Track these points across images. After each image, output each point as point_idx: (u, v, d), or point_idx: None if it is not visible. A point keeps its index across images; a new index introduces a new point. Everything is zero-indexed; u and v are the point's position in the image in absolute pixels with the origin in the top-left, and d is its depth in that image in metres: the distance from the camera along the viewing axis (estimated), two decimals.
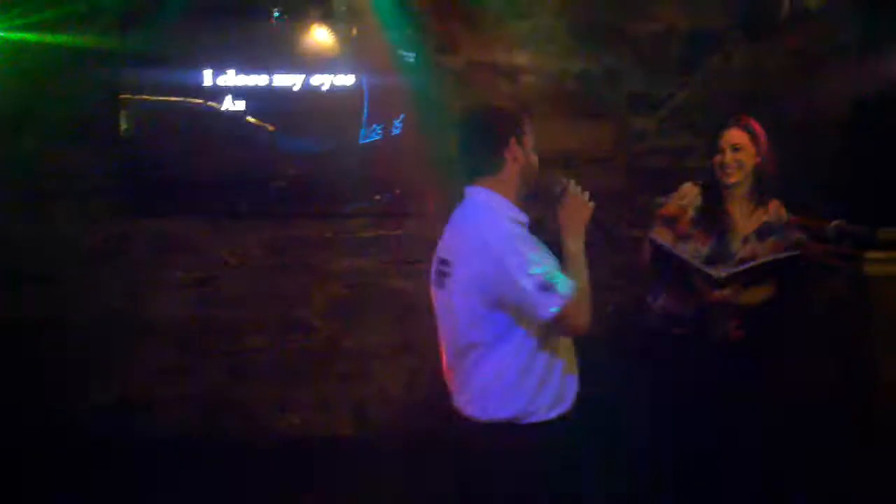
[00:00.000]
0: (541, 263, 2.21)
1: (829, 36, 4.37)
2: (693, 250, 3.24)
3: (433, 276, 2.45)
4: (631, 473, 3.52)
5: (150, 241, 4.55)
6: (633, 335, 3.54)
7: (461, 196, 2.44)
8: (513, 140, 2.34)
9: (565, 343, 2.39)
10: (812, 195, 4.28)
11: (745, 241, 3.23)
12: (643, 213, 3.55)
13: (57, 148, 4.47)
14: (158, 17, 4.29)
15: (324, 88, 4.42)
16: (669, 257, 3.20)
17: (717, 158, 3.26)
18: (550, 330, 2.27)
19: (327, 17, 4.43)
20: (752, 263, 3.12)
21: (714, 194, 3.29)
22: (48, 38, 4.36)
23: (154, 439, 4.47)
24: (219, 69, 4.41)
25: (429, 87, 4.43)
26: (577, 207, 2.39)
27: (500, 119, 2.38)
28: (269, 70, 4.42)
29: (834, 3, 4.22)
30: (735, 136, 3.27)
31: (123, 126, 4.42)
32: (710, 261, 3.19)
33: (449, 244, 2.40)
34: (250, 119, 4.42)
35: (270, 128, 4.44)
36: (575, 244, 2.34)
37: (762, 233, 3.24)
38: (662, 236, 3.29)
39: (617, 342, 3.82)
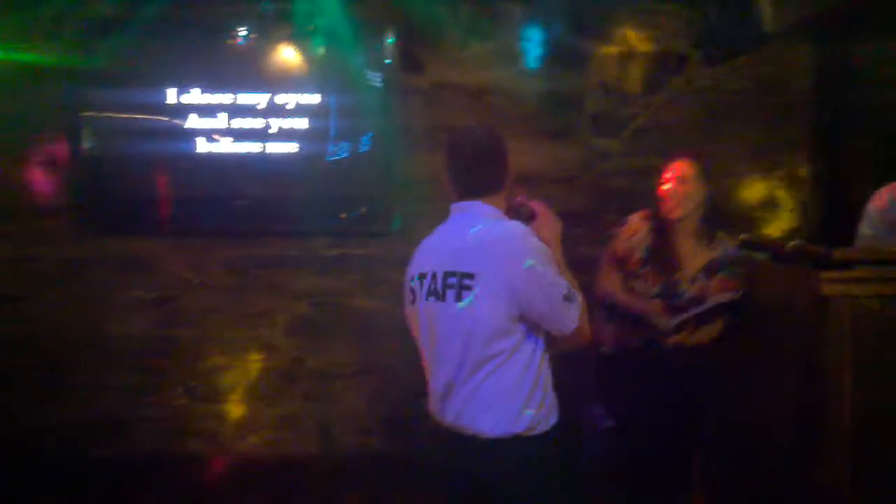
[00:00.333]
0: (562, 283, 2.31)
1: (789, 60, 4.46)
2: (643, 289, 3.24)
3: (426, 290, 2.40)
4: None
5: (111, 260, 4.50)
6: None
7: (457, 210, 2.46)
8: (510, 161, 2.47)
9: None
10: (770, 215, 4.37)
11: (694, 280, 3.23)
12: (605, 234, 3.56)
13: (18, 166, 4.43)
14: (122, 34, 4.25)
15: (289, 107, 4.42)
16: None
17: (663, 189, 3.25)
18: (563, 342, 2.37)
19: (293, 37, 4.42)
20: (697, 310, 3.15)
21: (661, 230, 3.26)
22: (10, 55, 4.32)
23: (114, 460, 4.41)
24: (183, 87, 4.39)
25: (395, 107, 4.44)
26: (550, 225, 2.49)
27: (501, 140, 2.49)
28: (233, 89, 4.40)
29: (793, 27, 4.30)
30: (682, 167, 3.25)
31: (85, 143, 4.37)
32: (663, 300, 3.21)
33: (461, 256, 2.34)
34: (215, 137, 4.40)
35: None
36: (558, 259, 2.42)
37: (710, 270, 3.23)
38: (611, 278, 3.30)
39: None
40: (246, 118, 4.41)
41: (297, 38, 4.43)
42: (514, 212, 2.49)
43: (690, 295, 3.21)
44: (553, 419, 2.40)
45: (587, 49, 4.55)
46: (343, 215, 4.46)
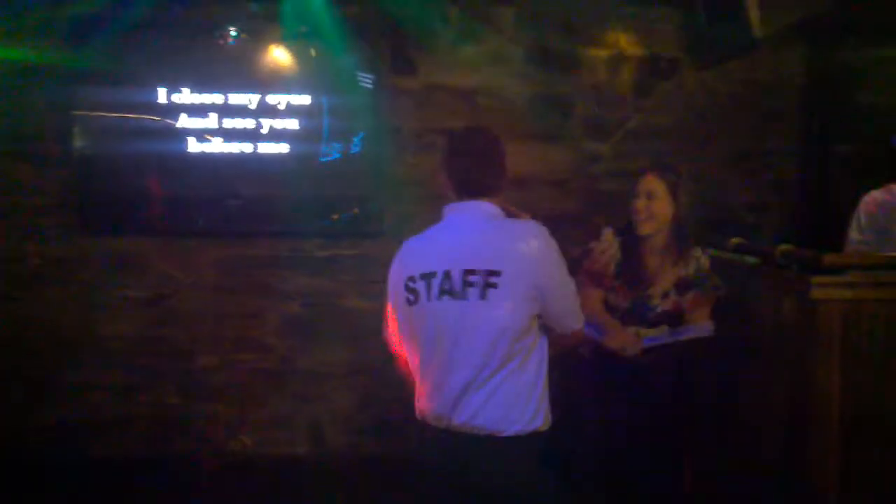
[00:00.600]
0: (572, 280, 2.40)
1: (778, 65, 4.49)
2: (615, 303, 3.21)
3: (438, 290, 2.34)
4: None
5: (102, 259, 4.49)
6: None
7: (455, 210, 2.44)
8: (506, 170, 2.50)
9: None
10: (760, 220, 4.40)
11: (666, 296, 3.19)
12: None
13: (8, 165, 4.42)
14: (113, 33, 4.24)
15: (280, 107, 4.42)
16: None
17: (633, 204, 3.18)
18: (561, 340, 2.45)
19: (285, 38, 4.42)
20: (665, 341, 3.12)
21: (632, 245, 3.21)
22: (0, 53, 4.30)
23: (105, 459, 4.41)
24: (174, 87, 4.39)
25: (387, 108, 4.45)
26: None
27: (501, 143, 2.52)
28: (224, 89, 4.40)
29: (782, 32, 4.34)
30: (651, 182, 3.17)
31: (76, 143, 4.36)
32: (632, 314, 3.19)
33: (484, 254, 2.31)
34: (206, 137, 4.39)
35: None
36: None
37: (682, 286, 3.19)
38: (589, 298, 3.14)
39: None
40: (237, 118, 4.42)
41: (289, 39, 4.43)
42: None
43: (663, 309, 3.19)
44: (552, 415, 2.42)
45: (578, 53, 4.57)
46: (335, 216, 4.46)
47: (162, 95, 4.38)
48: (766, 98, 4.55)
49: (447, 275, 2.33)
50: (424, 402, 2.44)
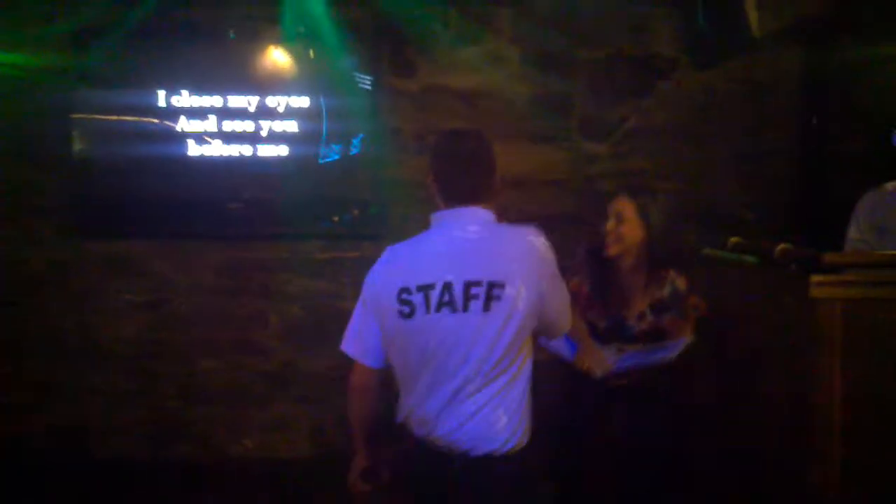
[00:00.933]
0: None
1: (777, 64, 4.49)
2: (593, 320, 3.20)
3: (437, 302, 2.23)
4: None
5: (102, 263, 4.51)
6: None
7: (445, 217, 2.34)
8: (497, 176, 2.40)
9: None
10: (759, 219, 4.40)
11: (641, 316, 3.19)
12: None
13: (9, 169, 4.43)
14: (112, 37, 4.25)
15: (279, 110, 4.42)
16: None
17: (603, 226, 3.17)
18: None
19: (283, 40, 4.42)
20: (638, 363, 3.12)
21: (603, 266, 3.20)
22: (1, 58, 4.30)
23: (106, 462, 4.42)
24: (173, 90, 4.39)
25: (386, 110, 4.46)
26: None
27: (491, 146, 2.40)
28: (223, 91, 4.41)
29: (780, 32, 4.34)
30: (621, 204, 3.17)
31: (76, 147, 4.37)
32: (611, 332, 3.19)
33: (485, 264, 2.23)
34: (206, 139, 4.40)
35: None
36: None
37: (658, 308, 3.18)
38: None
39: None
40: (236, 121, 4.43)
41: (287, 41, 4.43)
42: None
43: (641, 329, 3.19)
44: (530, 430, 2.35)
45: (576, 53, 4.57)
46: (335, 218, 4.47)
47: (161, 98, 4.40)
48: (764, 97, 4.54)
49: (447, 287, 2.22)
50: (409, 410, 2.35)
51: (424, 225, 2.40)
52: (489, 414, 2.23)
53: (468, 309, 2.21)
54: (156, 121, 4.41)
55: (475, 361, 2.21)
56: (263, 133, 4.44)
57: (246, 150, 4.44)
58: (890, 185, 3.49)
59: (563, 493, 3.27)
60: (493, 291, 2.20)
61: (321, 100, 4.44)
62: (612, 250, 3.14)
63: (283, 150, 4.44)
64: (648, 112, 4.58)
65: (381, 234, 4.32)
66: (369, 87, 4.45)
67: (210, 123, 4.41)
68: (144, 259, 4.53)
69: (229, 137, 4.43)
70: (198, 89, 4.41)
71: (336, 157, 4.45)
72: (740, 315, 3.24)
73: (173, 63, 4.40)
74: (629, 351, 3.17)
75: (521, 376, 2.28)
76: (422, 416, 2.30)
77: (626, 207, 3.16)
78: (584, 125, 4.60)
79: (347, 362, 2.49)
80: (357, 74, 4.44)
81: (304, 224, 4.46)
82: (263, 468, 4.42)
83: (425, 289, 2.25)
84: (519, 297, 2.21)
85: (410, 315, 2.27)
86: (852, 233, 3.46)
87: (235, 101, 4.42)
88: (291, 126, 4.44)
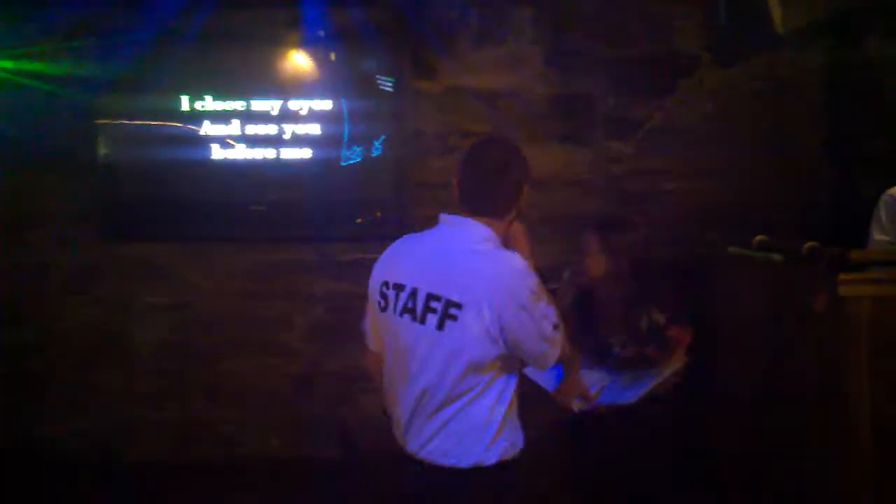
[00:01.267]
0: (552, 312, 2.23)
1: (801, 62, 4.45)
2: (581, 343, 3.13)
3: (402, 306, 2.23)
4: None
5: (129, 266, 4.55)
6: None
7: (448, 222, 2.30)
8: (525, 189, 2.31)
9: None
10: (785, 217, 4.36)
11: (625, 344, 3.19)
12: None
13: (33, 174, 4.47)
14: (137, 43, 4.28)
15: (302, 113, 4.44)
16: None
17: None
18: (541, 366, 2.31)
19: (306, 43, 4.44)
20: (622, 402, 3.08)
21: (585, 290, 3.23)
22: (25, 64, 4.35)
23: (132, 465, 4.46)
24: (197, 94, 4.42)
25: (408, 112, 4.46)
26: (522, 236, 2.38)
27: (517, 162, 2.31)
28: (246, 95, 4.43)
29: (805, 29, 4.30)
30: (588, 240, 3.16)
31: (101, 152, 4.41)
32: (598, 355, 3.18)
33: (449, 280, 2.17)
34: (230, 143, 4.43)
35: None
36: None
37: (639, 339, 3.18)
38: None
39: None
40: (259, 124, 4.45)
41: (309, 45, 4.45)
42: None
43: (626, 356, 3.18)
44: (522, 443, 2.32)
45: (598, 52, 4.55)
46: (358, 220, 4.49)
47: (185, 103, 4.43)
48: (789, 95, 4.50)
49: (413, 293, 2.21)
50: (388, 409, 2.38)
51: None
52: (455, 430, 2.20)
53: (425, 322, 2.18)
54: (180, 125, 4.44)
55: (431, 376, 2.19)
56: (286, 136, 4.46)
57: (269, 153, 4.46)
58: None
59: None
60: (449, 310, 2.14)
61: (343, 102, 4.45)
62: (583, 280, 3.18)
63: (305, 153, 4.46)
64: (671, 111, 4.55)
65: (404, 235, 4.34)
66: (391, 90, 4.45)
67: (234, 127, 4.44)
68: (171, 262, 4.56)
69: (253, 141, 4.46)
70: (221, 94, 4.44)
71: (358, 159, 4.46)
72: (767, 313, 3.22)
73: (197, 68, 4.43)
74: (611, 384, 3.14)
75: (487, 395, 2.20)
76: (397, 419, 2.32)
77: (589, 241, 3.15)
78: (607, 125, 4.58)
79: None
80: (378, 77, 4.45)
81: (328, 226, 4.48)
82: (289, 469, 4.43)
83: (398, 288, 2.26)
84: (473, 323, 2.12)
85: (384, 309, 2.30)
86: (875, 234, 3.42)
87: (258, 105, 4.44)
88: (314, 129, 4.45)
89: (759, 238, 3.42)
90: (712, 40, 4.53)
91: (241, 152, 4.46)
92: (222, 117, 4.45)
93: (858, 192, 4.04)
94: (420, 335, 2.20)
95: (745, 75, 4.53)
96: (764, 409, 3.31)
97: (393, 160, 4.48)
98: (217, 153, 4.45)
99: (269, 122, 4.45)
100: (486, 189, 2.27)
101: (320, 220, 4.47)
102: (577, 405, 3.02)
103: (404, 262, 2.31)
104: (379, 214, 4.48)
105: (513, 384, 2.27)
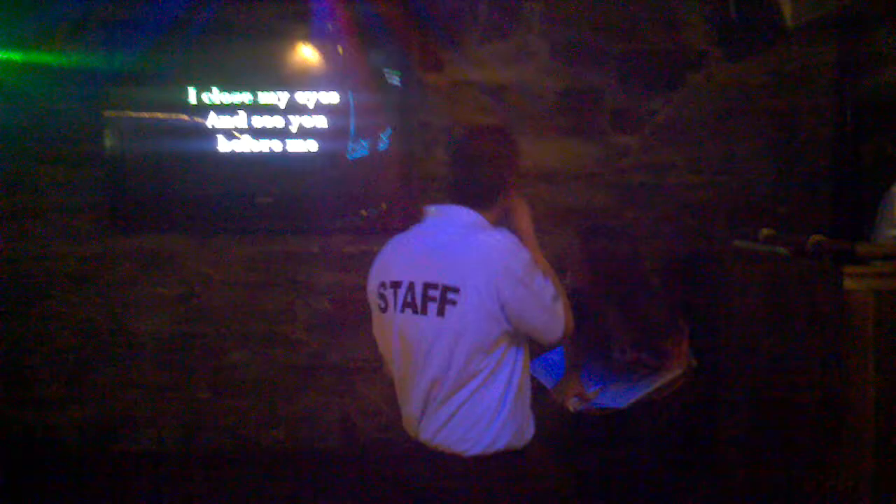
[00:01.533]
0: (549, 284, 2.23)
1: (809, 55, 4.43)
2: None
3: (402, 302, 2.24)
4: None
5: (134, 257, 4.56)
6: None
7: (434, 213, 2.33)
8: (513, 175, 2.32)
9: None
10: (792, 212, 4.34)
11: (623, 350, 3.20)
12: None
13: (41, 166, 4.49)
14: (143, 34, 4.28)
15: (309, 105, 4.44)
16: None
17: None
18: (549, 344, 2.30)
19: (313, 36, 4.44)
20: (615, 408, 3.08)
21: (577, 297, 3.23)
22: (32, 56, 4.37)
23: (138, 454, 4.47)
24: (203, 86, 4.43)
25: (414, 105, 4.46)
26: (525, 215, 2.37)
27: (506, 149, 2.34)
28: (253, 87, 4.43)
29: (814, 22, 4.27)
30: (572, 245, 3.20)
31: (107, 143, 4.42)
32: (596, 363, 3.19)
33: (444, 267, 2.19)
34: (236, 135, 4.43)
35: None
36: (536, 251, 2.30)
37: (639, 346, 3.19)
38: None
39: None
40: (266, 116, 4.45)
41: (316, 37, 4.44)
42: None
43: (626, 361, 3.20)
44: (532, 428, 2.33)
45: (606, 45, 4.53)
46: (363, 212, 4.48)
47: (192, 95, 4.43)
48: (797, 89, 4.48)
49: (410, 287, 2.23)
50: (400, 405, 2.38)
51: None
52: (466, 417, 2.22)
53: (426, 311, 2.20)
54: (186, 117, 4.44)
55: (438, 365, 2.20)
56: (293, 129, 4.46)
57: (275, 145, 4.46)
58: None
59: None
60: (447, 296, 2.16)
61: (350, 95, 4.44)
62: (577, 284, 3.16)
63: (312, 146, 4.46)
64: (679, 105, 4.53)
65: (409, 228, 4.34)
66: (398, 83, 4.45)
67: (240, 119, 4.44)
68: (175, 253, 4.57)
69: (259, 133, 4.46)
70: (228, 86, 4.44)
71: (365, 152, 4.46)
72: (772, 307, 3.21)
73: (204, 60, 4.43)
74: (608, 388, 3.15)
75: (496, 380, 2.22)
76: (408, 416, 2.33)
77: (572, 247, 3.19)
78: (615, 118, 4.56)
79: (375, 354, 2.52)
80: (386, 70, 4.44)
81: (333, 218, 4.48)
82: (293, 459, 4.45)
83: (395, 286, 2.28)
84: (472, 304, 2.14)
85: (384, 309, 2.31)
86: (886, 227, 3.39)
87: (265, 97, 4.44)
88: (321, 122, 4.45)
89: (765, 231, 3.41)
90: (721, 35, 4.50)
91: (247, 144, 4.45)
92: (229, 109, 4.44)
93: (866, 188, 4.02)
94: (423, 326, 2.21)
95: (753, 70, 4.50)
96: (766, 403, 3.30)
97: (400, 153, 4.47)
98: (223, 145, 4.45)
99: (275, 114, 4.45)
100: (471, 177, 2.29)
101: (326, 213, 4.47)
102: (573, 405, 3.04)
103: (397, 260, 2.32)
104: (385, 207, 4.47)
105: (521, 370, 2.27)
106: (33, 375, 4.55)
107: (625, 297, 3.17)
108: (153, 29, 4.27)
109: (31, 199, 4.53)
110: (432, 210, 2.34)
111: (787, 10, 4.04)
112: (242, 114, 4.44)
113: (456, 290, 2.15)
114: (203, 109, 4.44)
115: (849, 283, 2.74)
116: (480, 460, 2.23)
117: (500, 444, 2.23)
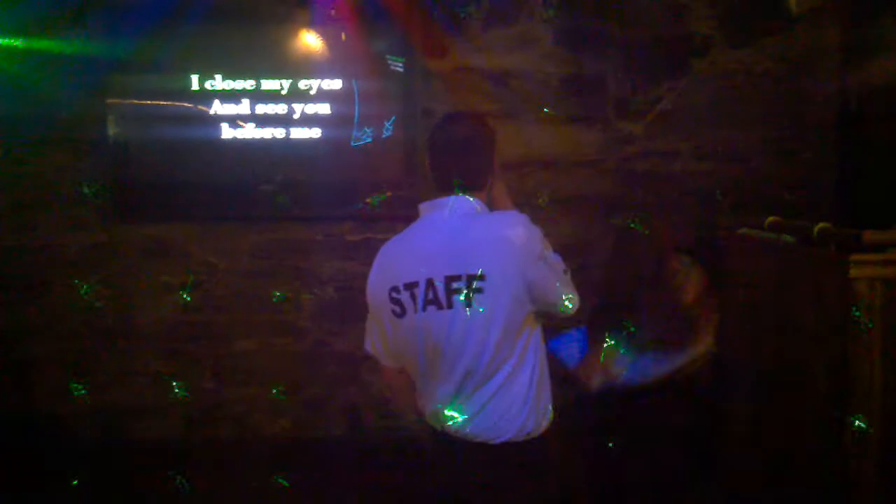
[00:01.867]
0: (558, 255, 2.27)
1: (814, 41, 4.41)
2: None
3: (423, 300, 2.21)
4: None
5: (138, 246, 4.55)
6: None
7: (432, 208, 2.31)
8: (495, 160, 2.35)
9: None
10: (797, 199, 4.33)
11: (653, 325, 3.20)
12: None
13: (45, 154, 4.47)
14: (146, 21, 4.27)
15: (312, 92, 4.43)
16: None
17: None
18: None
19: (316, 22, 4.42)
20: (643, 378, 3.11)
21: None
22: (35, 43, 4.34)
23: (143, 443, 4.48)
24: (206, 74, 4.41)
25: (418, 92, 4.44)
26: (502, 195, 2.41)
27: (487, 132, 2.35)
28: (256, 74, 4.41)
29: (818, 9, 4.26)
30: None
31: (111, 131, 4.41)
32: (619, 337, 3.19)
33: (466, 257, 2.16)
34: (239, 123, 4.42)
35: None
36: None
37: (662, 323, 3.20)
38: None
39: None
40: (269, 104, 4.43)
41: (319, 24, 4.42)
42: None
43: (655, 335, 3.20)
44: (550, 414, 2.33)
45: (609, 32, 4.51)
46: (367, 200, 4.47)
47: (195, 82, 4.41)
48: (802, 76, 4.46)
49: (430, 284, 2.20)
50: (423, 406, 2.37)
51: None
52: (497, 405, 2.22)
53: (452, 305, 2.18)
54: (189, 105, 4.43)
55: (470, 356, 2.19)
56: (296, 116, 4.44)
57: (279, 132, 4.45)
58: None
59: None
60: (473, 284, 2.14)
61: (353, 82, 4.43)
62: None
63: (315, 133, 4.45)
64: (683, 92, 4.51)
65: (413, 216, 4.33)
66: (401, 69, 4.43)
67: (243, 107, 4.43)
68: (180, 242, 4.56)
69: (262, 120, 4.44)
70: (231, 73, 4.42)
71: (368, 139, 4.45)
72: (778, 295, 3.21)
73: (207, 47, 4.41)
74: (633, 365, 3.16)
75: (524, 364, 2.23)
76: (434, 412, 2.31)
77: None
78: (618, 105, 4.54)
79: None
80: (389, 56, 4.42)
81: (337, 206, 4.48)
82: (298, 447, 4.46)
83: (411, 287, 2.23)
84: (501, 289, 2.14)
85: (402, 314, 2.26)
86: None
87: (268, 84, 4.42)
88: (324, 108, 4.44)
89: (771, 219, 3.41)
90: (725, 21, 4.48)
91: (250, 132, 4.44)
92: (232, 96, 4.43)
93: (872, 174, 4.02)
94: (451, 319, 2.19)
95: (757, 56, 4.48)
96: (771, 391, 3.30)
97: (403, 140, 4.45)
98: (227, 132, 4.44)
99: (279, 101, 4.43)
100: (460, 165, 2.28)
101: (330, 200, 4.46)
102: (596, 381, 3.03)
103: (407, 260, 2.28)
104: (389, 194, 4.46)
105: (542, 352, 2.29)
106: (37, 365, 4.55)
107: (657, 273, 3.17)
108: (156, 16, 4.24)
109: (34, 188, 4.51)
110: (430, 206, 2.32)
111: None
112: (246, 101, 4.43)
113: (482, 278, 2.14)
114: (206, 97, 4.42)
115: (854, 271, 2.74)
116: (508, 446, 2.23)
117: (528, 429, 2.24)
